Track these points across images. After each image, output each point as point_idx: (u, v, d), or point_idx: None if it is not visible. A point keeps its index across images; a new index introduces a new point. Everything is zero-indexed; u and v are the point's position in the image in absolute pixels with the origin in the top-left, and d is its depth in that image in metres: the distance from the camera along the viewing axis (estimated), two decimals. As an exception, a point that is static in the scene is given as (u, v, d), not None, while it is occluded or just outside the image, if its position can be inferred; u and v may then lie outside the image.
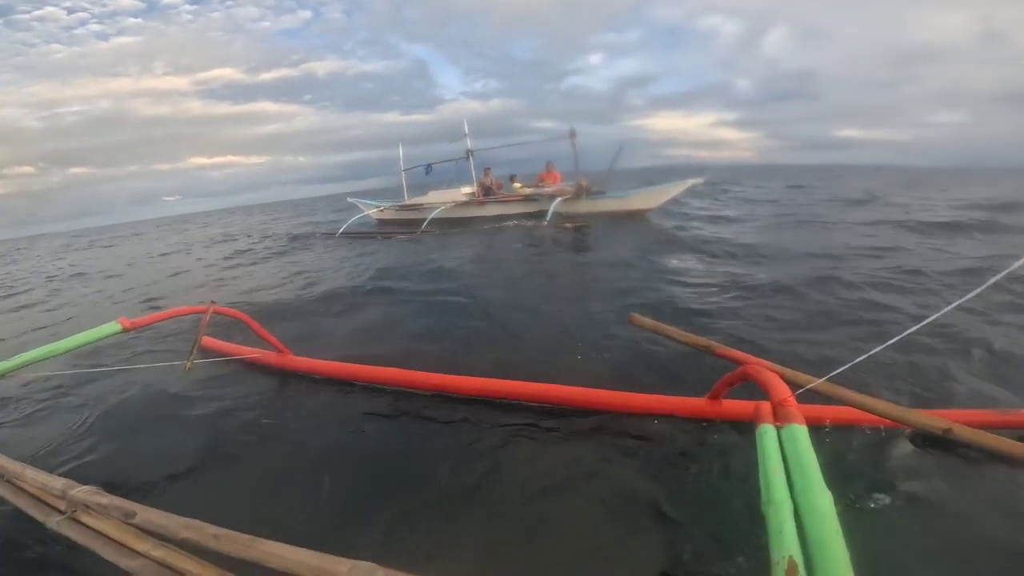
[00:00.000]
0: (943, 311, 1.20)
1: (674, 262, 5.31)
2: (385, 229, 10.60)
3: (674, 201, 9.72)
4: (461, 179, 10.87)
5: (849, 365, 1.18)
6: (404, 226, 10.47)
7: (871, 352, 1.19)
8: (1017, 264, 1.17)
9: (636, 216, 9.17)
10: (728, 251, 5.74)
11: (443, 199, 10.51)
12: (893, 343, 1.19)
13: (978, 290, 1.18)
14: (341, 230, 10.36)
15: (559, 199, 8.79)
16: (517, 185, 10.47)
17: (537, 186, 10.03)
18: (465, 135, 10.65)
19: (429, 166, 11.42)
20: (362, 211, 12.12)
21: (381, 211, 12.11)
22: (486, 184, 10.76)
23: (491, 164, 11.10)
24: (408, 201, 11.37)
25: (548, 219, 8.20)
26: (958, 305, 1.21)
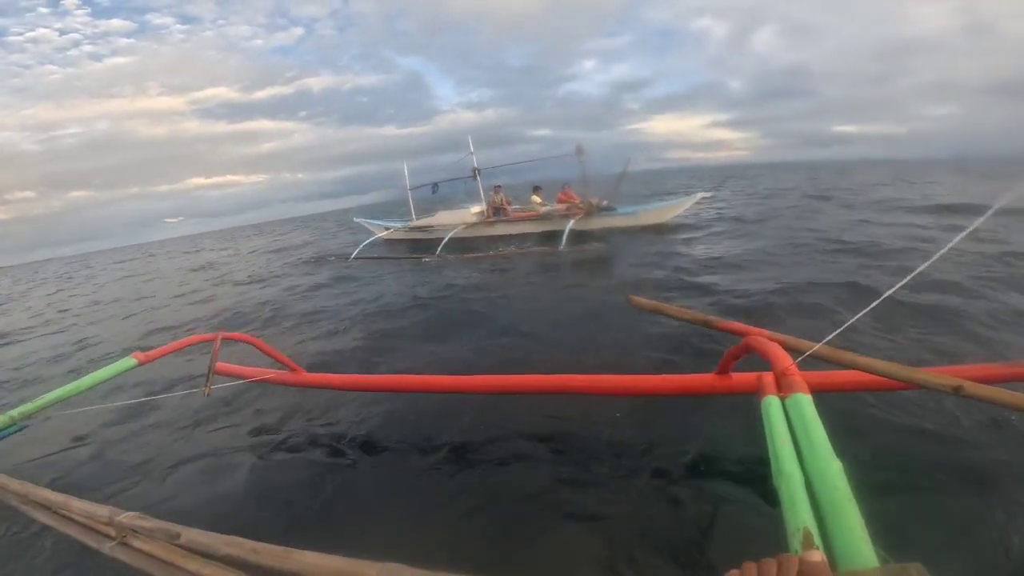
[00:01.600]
0: (924, 265, 1.19)
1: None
2: (394, 251, 10.46)
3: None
4: (469, 197, 10.75)
5: (846, 325, 1.19)
6: (413, 247, 10.34)
7: (862, 312, 1.19)
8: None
9: (650, 230, 8.98)
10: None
11: (452, 220, 10.36)
12: (881, 301, 1.20)
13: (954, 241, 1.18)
14: (354, 254, 10.22)
15: (573, 219, 8.53)
16: (536, 199, 10.13)
17: (552, 205, 9.82)
18: (471, 153, 10.50)
19: (436, 185, 11.26)
20: (372, 232, 11.97)
21: (390, 232, 11.91)
22: (496, 203, 10.52)
23: (500, 180, 10.87)
24: (416, 222, 11.20)
25: (564, 242, 7.71)
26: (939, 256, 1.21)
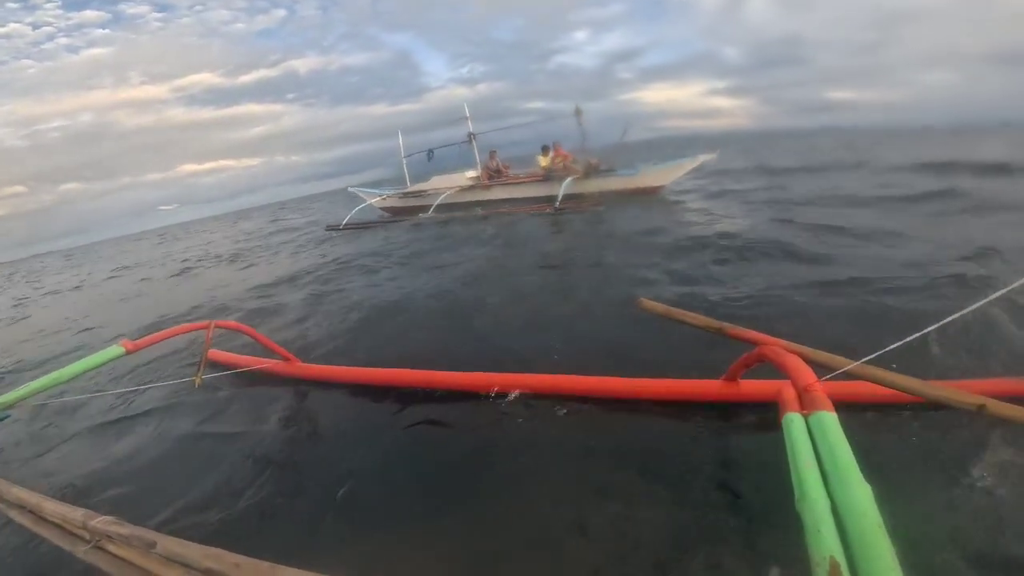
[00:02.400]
0: (992, 297, 1.13)
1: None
2: (387, 217, 10.48)
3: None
4: (465, 163, 10.61)
5: (896, 345, 1.12)
6: (407, 214, 10.32)
7: (927, 330, 1.13)
8: None
9: (648, 193, 8.87)
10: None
11: (447, 184, 10.27)
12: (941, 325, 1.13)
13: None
14: (344, 222, 10.22)
15: (569, 179, 8.44)
16: (544, 161, 9.67)
17: (557, 165, 9.50)
18: (466, 118, 10.38)
19: (431, 152, 11.17)
20: (364, 200, 11.95)
21: (384, 199, 11.90)
22: (492, 167, 10.40)
23: (496, 146, 10.74)
24: (411, 188, 11.17)
25: (558, 201, 7.81)
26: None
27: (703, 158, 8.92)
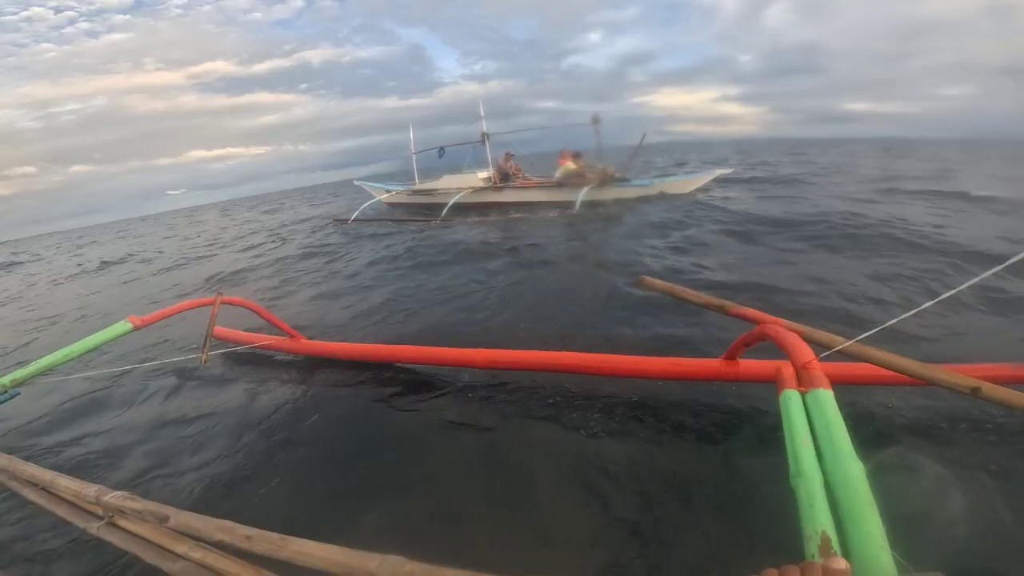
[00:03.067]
0: (973, 281, 1.13)
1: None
2: (395, 215, 10.20)
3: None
4: (477, 163, 10.31)
5: (883, 326, 1.14)
6: (415, 211, 10.02)
7: (916, 310, 1.14)
8: None
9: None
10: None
11: (458, 184, 9.97)
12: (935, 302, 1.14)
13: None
14: (353, 216, 9.98)
15: (585, 188, 8.24)
16: (572, 166, 9.28)
17: (575, 172, 9.19)
18: (480, 118, 10.08)
19: (442, 149, 10.83)
20: (372, 196, 11.70)
21: (392, 195, 11.61)
22: (504, 169, 10.04)
23: (512, 148, 10.41)
24: (419, 185, 10.87)
25: (577, 208, 7.64)
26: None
27: (719, 172, 8.85)
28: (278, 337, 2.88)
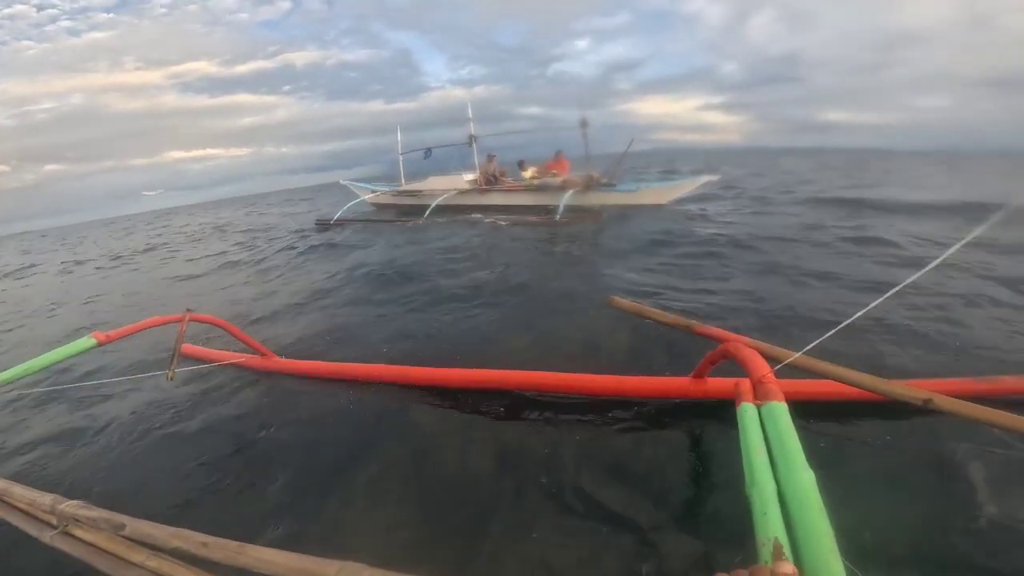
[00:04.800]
0: (904, 283, 1.19)
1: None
2: (380, 215, 10.21)
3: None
4: (463, 165, 10.40)
5: (825, 337, 1.19)
6: (400, 212, 10.04)
7: (845, 323, 1.19)
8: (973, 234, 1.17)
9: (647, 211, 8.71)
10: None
11: (444, 185, 9.98)
12: (864, 312, 1.20)
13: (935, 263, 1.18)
14: (336, 217, 9.96)
15: (569, 191, 8.21)
16: (527, 173, 9.69)
17: (545, 175, 9.43)
18: (469, 120, 10.19)
19: (428, 150, 10.92)
20: (357, 195, 11.67)
21: (377, 195, 11.63)
22: (489, 171, 10.12)
23: (495, 150, 10.48)
24: (405, 186, 10.91)
25: (560, 213, 7.50)
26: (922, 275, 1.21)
27: (705, 179, 8.84)
28: (248, 355, 2.84)
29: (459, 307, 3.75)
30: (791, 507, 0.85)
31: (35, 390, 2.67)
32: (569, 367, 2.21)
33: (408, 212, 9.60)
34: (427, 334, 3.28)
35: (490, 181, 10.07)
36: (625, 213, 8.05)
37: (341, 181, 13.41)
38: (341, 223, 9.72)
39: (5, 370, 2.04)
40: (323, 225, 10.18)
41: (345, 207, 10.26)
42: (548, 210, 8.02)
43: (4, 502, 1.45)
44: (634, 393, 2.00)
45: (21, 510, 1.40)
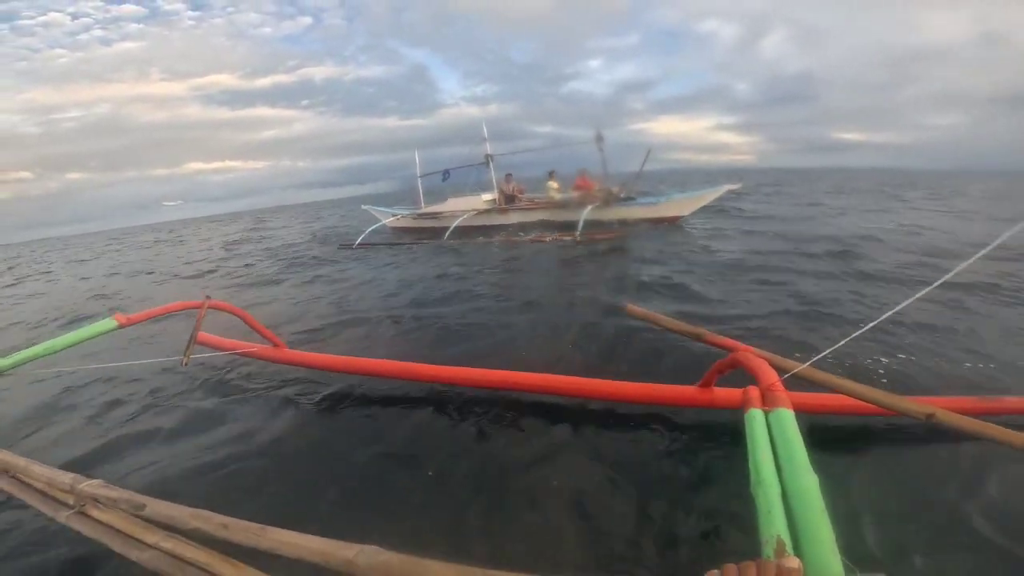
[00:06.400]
0: (910, 300, 1.23)
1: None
2: (401, 239, 10.11)
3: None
4: (480, 185, 10.42)
5: (833, 348, 1.23)
6: (421, 235, 9.97)
7: (850, 337, 1.23)
8: (984, 251, 1.20)
9: (668, 223, 8.60)
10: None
11: (462, 206, 9.97)
12: (869, 328, 1.23)
13: (943, 279, 1.22)
14: (358, 241, 9.82)
15: (588, 207, 8.08)
16: (553, 185, 9.62)
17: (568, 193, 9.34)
18: (484, 139, 10.21)
19: (447, 172, 10.95)
20: (377, 219, 11.65)
21: (397, 219, 11.53)
22: (507, 190, 10.14)
23: (512, 169, 10.47)
24: (425, 209, 10.90)
25: (580, 231, 7.31)
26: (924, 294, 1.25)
27: (726, 187, 8.61)
28: (261, 345, 2.88)
29: (479, 319, 3.78)
30: (794, 508, 0.88)
31: (55, 369, 2.71)
32: (581, 373, 2.24)
33: (429, 235, 9.52)
34: (443, 340, 3.34)
35: (509, 200, 10.08)
36: (646, 228, 8.00)
37: (363, 206, 13.41)
38: (365, 247, 9.55)
39: (28, 348, 2.08)
40: (346, 247, 10.05)
41: (367, 231, 10.25)
42: (568, 226, 7.88)
43: (21, 481, 1.48)
44: (640, 400, 2.02)
45: (38, 490, 1.43)
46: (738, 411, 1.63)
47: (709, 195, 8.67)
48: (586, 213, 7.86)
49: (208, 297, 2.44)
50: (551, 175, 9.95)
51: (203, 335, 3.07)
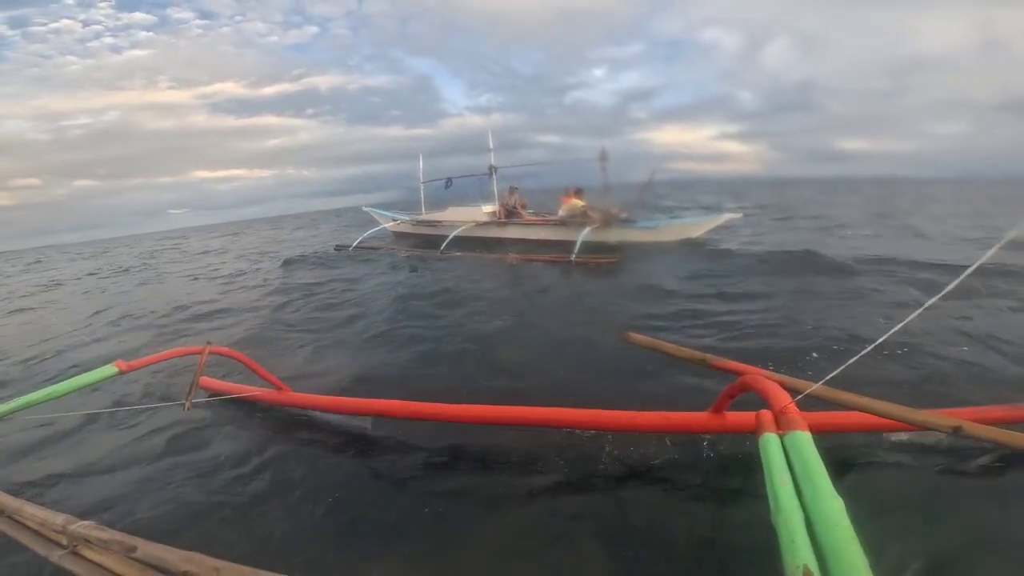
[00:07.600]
0: (919, 310, 1.18)
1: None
2: (399, 243, 10.21)
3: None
4: (482, 196, 10.29)
5: (845, 366, 1.17)
6: (419, 241, 10.00)
7: (863, 351, 1.18)
8: (986, 256, 1.15)
9: (667, 248, 8.10)
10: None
11: (463, 216, 9.88)
12: (881, 342, 1.18)
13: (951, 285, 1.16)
14: (355, 243, 9.98)
15: (587, 228, 7.84)
16: (579, 203, 8.93)
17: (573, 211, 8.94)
18: (489, 150, 10.07)
19: (450, 180, 10.90)
20: (377, 222, 11.78)
21: (397, 224, 11.67)
22: (509, 204, 9.90)
23: (514, 181, 10.17)
24: (425, 216, 10.90)
25: (576, 252, 7.05)
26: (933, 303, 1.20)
27: (727, 216, 8.39)
28: (264, 389, 2.84)
29: (471, 347, 3.74)
30: (820, 535, 0.82)
31: (54, 414, 2.68)
32: (589, 404, 2.18)
33: (426, 242, 9.45)
34: (434, 371, 3.28)
35: (510, 213, 9.86)
36: (644, 251, 7.76)
37: (363, 208, 13.50)
38: (361, 249, 9.67)
39: (27, 394, 2.07)
40: (342, 249, 10.21)
41: (365, 234, 10.30)
42: (565, 246, 7.66)
43: (15, 521, 1.45)
44: (652, 429, 1.96)
45: (32, 529, 1.39)
46: (753, 435, 1.57)
47: (709, 223, 8.43)
48: (584, 234, 7.64)
49: (209, 343, 2.42)
50: (579, 192, 9.17)
51: (205, 380, 3.04)
